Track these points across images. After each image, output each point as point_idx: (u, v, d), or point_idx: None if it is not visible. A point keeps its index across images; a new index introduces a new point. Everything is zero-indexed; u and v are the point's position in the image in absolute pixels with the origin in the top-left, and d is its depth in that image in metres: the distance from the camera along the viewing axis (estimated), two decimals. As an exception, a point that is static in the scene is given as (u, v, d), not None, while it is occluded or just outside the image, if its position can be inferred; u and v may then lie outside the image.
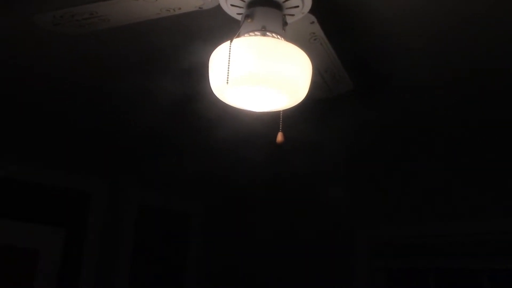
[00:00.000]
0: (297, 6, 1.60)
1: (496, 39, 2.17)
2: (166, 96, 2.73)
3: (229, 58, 1.41)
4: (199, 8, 1.72)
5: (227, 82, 1.39)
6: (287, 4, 1.58)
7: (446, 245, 3.37)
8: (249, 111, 1.59)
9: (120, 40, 2.31)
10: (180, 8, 1.74)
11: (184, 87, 2.63)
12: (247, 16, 1.53)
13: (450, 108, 2.75)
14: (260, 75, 1.41)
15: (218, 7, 1.71)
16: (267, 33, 1.51)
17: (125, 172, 3.94)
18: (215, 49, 1.58)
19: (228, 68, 1.40)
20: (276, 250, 4.09)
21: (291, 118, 2.03)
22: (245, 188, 4.24)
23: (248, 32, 1.53)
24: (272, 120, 2.05)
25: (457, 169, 3.43)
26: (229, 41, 1.46)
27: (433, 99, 2.68)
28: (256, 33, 1.51)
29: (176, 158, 3.73)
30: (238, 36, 1.53)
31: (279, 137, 1.63)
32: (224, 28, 1.91)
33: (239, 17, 1.66)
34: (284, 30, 1.57)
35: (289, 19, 1.66)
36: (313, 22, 1.78)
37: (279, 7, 1.58)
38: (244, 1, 1.57)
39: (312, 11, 1.73)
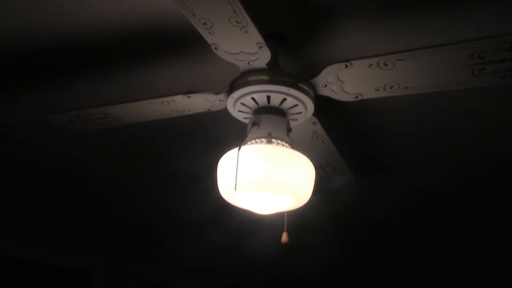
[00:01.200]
0: (300, 113, 1.69)
1: (489, 133, 2.27)
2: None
3: (237, 165, 1.48)
4: (208, 110, 1.82)
5: (235, 189, 1.46)
6: (291, 111, 1.67)
7: None
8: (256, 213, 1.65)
9: (129, 134, 2.41)
10: (190, 110, 1.84)
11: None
12: (254, 124, 1.62)
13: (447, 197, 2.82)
14: (266, 182, 1.48)
15: (226, 110, 1.80)
16: (273, 139, 1.60)
17: (126, 251, 3.95)
18: (223, 152, 1.67)
19: (236, 175, 1.47)
20: None
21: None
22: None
23: (254, 138, 1.61)
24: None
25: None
26: (237, 148, 1.54)
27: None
28: (262, 139, 1.60)
29: (176, 244, 3.78)
30: (245, 142, 1.62)
31: (284, 237, 1.68)
32: (233, 128, 2.00)
33: (246, 120, 1.75)
34: (288, 136, 1.65)
35: (293, 123, 1.75)
36: (315, 123, 1.87)
37: (283, 114, 1.67)
38: (250, 108, 1.67)
39: (314, 113, 1.82)
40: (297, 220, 2.37)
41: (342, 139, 2.25)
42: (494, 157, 2.47)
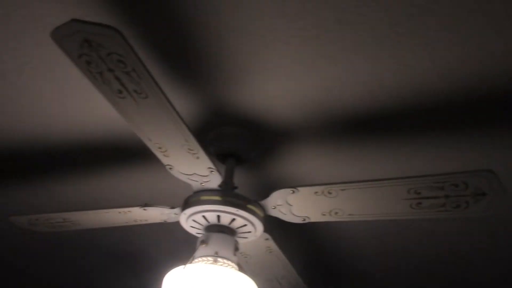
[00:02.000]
0: (250, 232, 1.76)
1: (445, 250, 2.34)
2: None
3: (181, 284, 1.54)
4: (164, 221, 1.89)
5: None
6: (241, 230, 1.75)
7: None
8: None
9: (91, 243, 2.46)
10: (147, 220, 1.91)
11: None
12: (202, 242, 1.68)
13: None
14: (208, 301, 1.53)
15: (181, 223, 1.87)
16: (219, 259, 1.66)
17: None
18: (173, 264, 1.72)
19: (180, 292, 1.53)
20: None
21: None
22: None
23: (201, 256, 1.67)
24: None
25: None
26: (182, 266, 1.60)
27: None
28: (208, 258, 1.66)
29: None
30: (193, 258, 1.68)
31: None
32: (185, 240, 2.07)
33: (198, 235, 1.81)
34: (235, 255, 1.71)
35: (243, 240, 1.81)
36: (267, 239, 1.94)
37: (233, 232, 1.74)
38: (201, 225, 1.74)
39: (267, 230, 1.90)
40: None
41: (297, 253, 2.31)
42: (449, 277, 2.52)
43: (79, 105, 1.80)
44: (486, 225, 2.15)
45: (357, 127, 1.77)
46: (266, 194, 1.73)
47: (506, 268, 2.38)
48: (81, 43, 1.21)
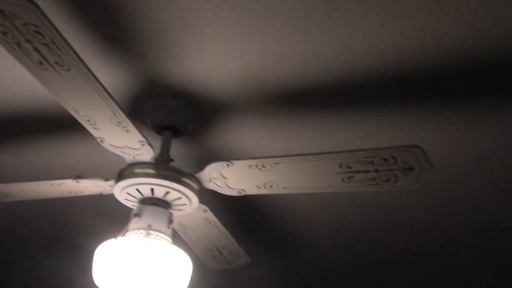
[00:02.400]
0: (185, 204, 1.76)
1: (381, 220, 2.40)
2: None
3: (112, 256, 1.53)
4: (99, 193, 1.87)
5: (109, 280, 1.51)
6: (175, 202, 1.74)
7: None
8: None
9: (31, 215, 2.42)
10: (81, 192, 1.88)
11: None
12: (135, 214, 1.67)
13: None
14: (140, 274, 1.53)
15: (117, 195, 1.85)
16: (152, 231, 1.65)
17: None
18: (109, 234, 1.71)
19: (111, 266, 1.52)
20: None
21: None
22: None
23: (134, 229, 1.66)
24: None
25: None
26: (113, 238, 1.59)
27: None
28: (141, 231, 1.65)
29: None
30: (126, 231, 1.67)
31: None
32: (123, 211, 2.05)
33: (133, 207, 1.80)
34: (169, 227, 1.71)
35: (179, 213, 1.81)
36: (205, 210, 1.94)
37: (167, 205, 1.73)
38: (135, 198, 1.73)
39: (203, 202, 1.90)
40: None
41: (238, 223, 2.33)
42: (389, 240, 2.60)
43: (6, 76, 1.73)
44: (422, 197, 2.21)
45: (293, 101, 1.77)
46: (203, 167, 1.73)
47: (442, 238, 2.47)
48: (-2, 12, 1.15)
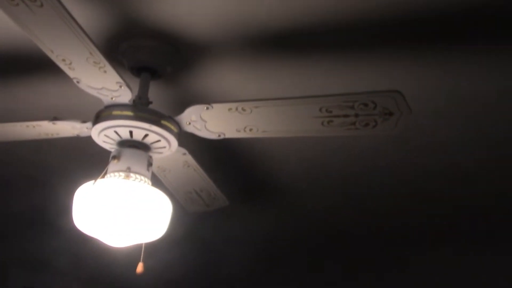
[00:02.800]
0: (164, 147, 1.75)
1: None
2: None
3: (92, 198, 1.53)
4: (76, 135, 1.84)
5: (88, 222, 1.51)
6: (154, 145, 1.73)
7: None
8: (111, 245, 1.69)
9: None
10: (58, 134, 1.85)
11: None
12: (114, 157, 1.66)
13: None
14: (119, 216, 1.53)
15: (95, 137, 1.83)
16: (131, 174, 1.65)
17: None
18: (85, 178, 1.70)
19: (90, 208, 1.52)
20: None
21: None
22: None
23: (113, 171, 1.65)
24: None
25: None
26: (92, 181, 1.58)
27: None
28: (120, 173, 1.64)
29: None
30: (105, 174, 1.66)
31: (139, 267, 1.74)
32: (101, 154, 2.03)
33: (112, 150, 1.78)
34: (148, 170, 1.71)
35: (158, 155, 1.80)
36: (185, 154, 1.94)
37: (146, 148, 1.72)
38: (114, 140, 1.71)
39: (182, 145, 1.89)
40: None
41: (216, 166, 2.33)
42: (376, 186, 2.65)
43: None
44: (398, 143, 2.24)
45: (273, 43, 1.74)
46: (182, 110, 1.71)
47: (413, 184, 2.52)
48: None
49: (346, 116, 1.62)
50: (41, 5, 1.25)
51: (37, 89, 2.05)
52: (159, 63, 1.81)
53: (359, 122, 1.63)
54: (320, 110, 1.61)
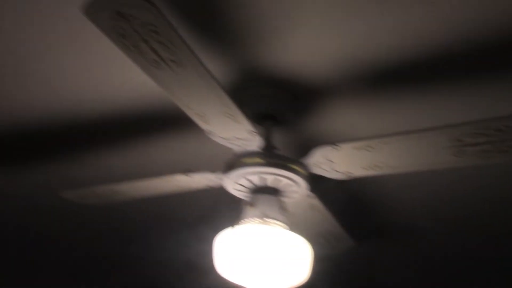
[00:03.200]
0: (295, 191, 1.78)
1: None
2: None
3: (233, 245, 1.58)
4: (207, 186, 1.93)
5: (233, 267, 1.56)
6: (286, 190, 1.77)
7: None
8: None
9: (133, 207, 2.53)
10: (190, 186, 1.95)
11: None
12: (249, 203, 1.71)
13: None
14: (261, 262, 1.57)
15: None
16: (268, 219, 1.69)
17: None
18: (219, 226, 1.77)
19: (231, 254, 1.57)
20: None
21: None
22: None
23: (249, 217, 1.70)
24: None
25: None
26: (231, 227, 1.64)
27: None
28: (256, 219, 1.69)
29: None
30: (240, 221, 1.71)
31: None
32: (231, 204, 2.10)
33: (245, 198, 1.84)
34: (283, 215, 1.74)
35: (289, 199, 1.84)
36: (311, 197, 1.96)
37: (278, 193, 1.76)
38: (246, 187, 1.77)
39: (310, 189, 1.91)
40: None
41: (343, 209, 2.33)
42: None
43: (112, 77, 1.80)
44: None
45: (391, 78, 1.75)
46: (305, 153, 1.74)
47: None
48: (114, 15, 1.21)
49: (478, 144, 1.57)
50: (183, 66, 1.36)
51: (165, 145, 2.17)
52: (280, 109, 1.87)
53: (494, 149, 1.57)
54: (450, 140, 1.57)
